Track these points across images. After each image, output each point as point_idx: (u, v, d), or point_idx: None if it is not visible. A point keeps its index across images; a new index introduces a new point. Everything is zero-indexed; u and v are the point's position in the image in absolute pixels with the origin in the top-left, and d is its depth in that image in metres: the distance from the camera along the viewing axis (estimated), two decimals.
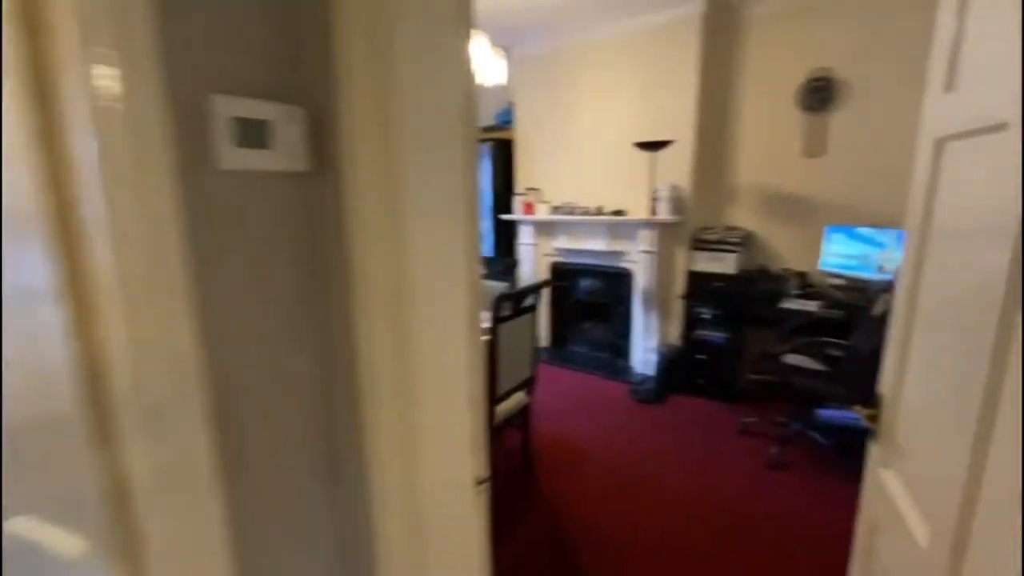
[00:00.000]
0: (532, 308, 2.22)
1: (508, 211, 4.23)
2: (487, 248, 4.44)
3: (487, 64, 2.61)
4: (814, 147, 3.27)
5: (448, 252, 0.73)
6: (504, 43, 3.94)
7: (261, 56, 0.62)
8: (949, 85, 0.86)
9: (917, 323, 0.92)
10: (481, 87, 3.06)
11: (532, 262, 4.22)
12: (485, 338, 2.10)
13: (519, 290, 2.05)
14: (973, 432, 0.66)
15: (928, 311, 0.88)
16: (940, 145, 0.87)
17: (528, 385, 2.32)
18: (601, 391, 3.51)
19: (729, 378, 3.34)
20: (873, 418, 1.02)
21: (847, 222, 3.12)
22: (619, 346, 3.99)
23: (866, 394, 2.54)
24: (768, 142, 3.39)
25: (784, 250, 3.43)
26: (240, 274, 0.63)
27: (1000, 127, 0.66)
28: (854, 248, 3.04)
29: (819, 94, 3.19)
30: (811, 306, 2.99)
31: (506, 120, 4.35)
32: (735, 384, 3.36)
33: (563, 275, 4.22)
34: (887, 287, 2.54)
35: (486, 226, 4.39)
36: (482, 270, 3.11)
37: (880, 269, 2.90)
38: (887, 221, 2.97)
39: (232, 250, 0.62)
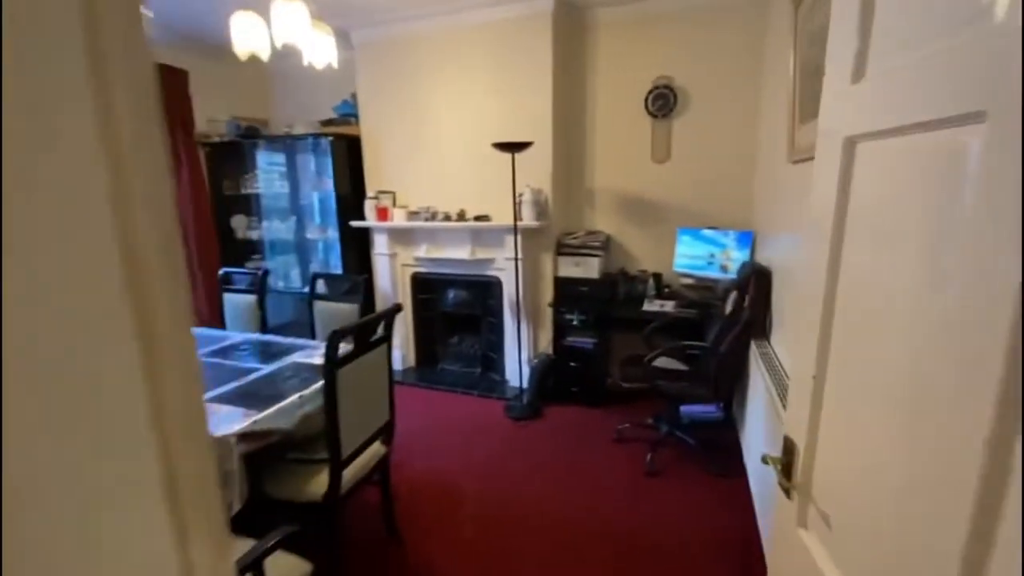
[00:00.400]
0: (385, 339, 1.83)
1: (359, 217, 3.72)
2: (334, 263, 3.86)
3: (309, 40, 2.12)
4: (660, 152, 3.39)
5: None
6: (342, 23, 3.42)
7: None
8: (858, 74, 0.71)
9: (836, 350, 0.76)
10: (311, 69, 2.55)
11: (390, 275, 3.77)
12: (302, 411, 1.66)
13: (361, 323, 1.64)
14: (966, 531, 0.48)
15: (858, 336, 0.71)
16: (851, 144, 0.71)
17: (385, 432, 1.91)
18: (475, 412, 3.22)
19: (600, 383, 3.31)
20: (786, 469, 0.87)
21: (693, 224, 3.28)
22: (492, 360, 3.75)
23: (724, 391, 2.65)
24: (622, 146, 3.43)
25: (641, 252, 3.51)
26: None
27: (973, 117, 0.48)
28: (701, 249, 3.20)
29: (662, 101, 3.29)
30: (668, 307, 3.07)
31: (347, 112, 3.82)
32: (605, 389, 3.34)
33: (427, 287, 3.85)
34: (734, 286, 2.67)
35: (332, 236, 3.81)
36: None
37: (723, 268, 3.08)
38: (726, 223, 3.17)
39: None
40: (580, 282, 3.27)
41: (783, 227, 2.18)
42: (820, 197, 0.79)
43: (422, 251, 3.66)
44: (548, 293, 3.42)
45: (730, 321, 2.52)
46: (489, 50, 3.30)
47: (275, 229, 4.16)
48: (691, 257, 3.24)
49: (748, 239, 2.98)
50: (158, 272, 0.35)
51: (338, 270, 3.89)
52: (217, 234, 4.16)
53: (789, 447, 0.88)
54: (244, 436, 1.51)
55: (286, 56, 3.92)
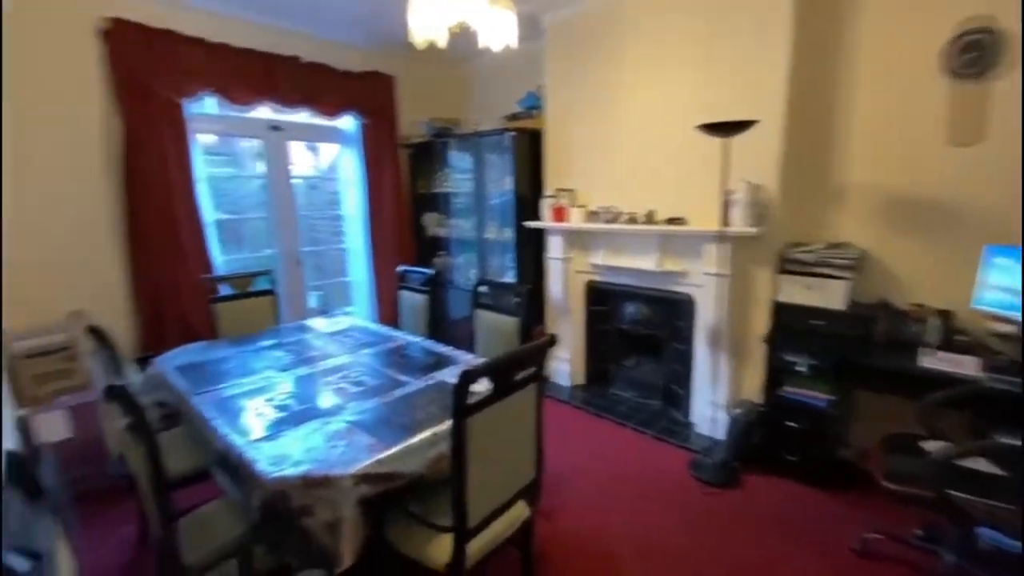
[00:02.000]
0: (536, 377, 1.43)
1: (537, 217, 3.44)
2: (509, 265, 3.67)
3: (485, 18, 1.84)
4: (966, 131, 2.25)
5: None
6: (533, 8, 3.16)
7: None
8: None
9: None
10: (501, 63, 2.32)
11: (562, 281, 3.40)
12: (436, 450, 1.35)
13: (500, 361, 1.26)
14: None
15: None
16: None
17: (529, 492, 1.53)
18: (650, 459, 2.64)
19: (831, 456, 2.38)
20: None
21: (1016, 241, 2.09)
22: (675, 395, 3.09)
23: None
24: (896, 124, 2.39)
25: (917, 278, 2.41)
26: None
27: None
28: None
29: (975, 53, 2.18)
30: (968, 366, 2.00)
31: (531, 105, 3.57)
32: (838, 465, 2.39)
33: (602, 298, 3.38)
34: None
35: (508, 236, 3.62)
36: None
37: None
38: None
39: None
40: (812, 312, 2.39)
41: None
42: None
43: (599, 257, 3.20)
44: (761, 322, 2.62)
45: None
46: (697, 11, 2.63)
47: (460, 227, 4.19)
48: (1013, 292, 2.07)
49: None
50: None
51: (512, 272, 3.70)
52: (410, 231, 4.39)
53: None
54: (365, 477, 1.29)
55: (480, 54, 3.90)
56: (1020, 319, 2.03)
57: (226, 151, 3.70)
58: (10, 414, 2.19)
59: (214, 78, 3.06)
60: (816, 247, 2.47)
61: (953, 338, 2.21)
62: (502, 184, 3.68)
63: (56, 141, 2.70)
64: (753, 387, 2.66)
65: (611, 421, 3.06)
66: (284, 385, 1.88)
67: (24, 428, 2.26)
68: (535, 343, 1.38)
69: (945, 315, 2.25)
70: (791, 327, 2.45)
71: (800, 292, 2.43)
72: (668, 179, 2.88)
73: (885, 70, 2.40)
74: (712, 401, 2.72)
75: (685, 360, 2.96)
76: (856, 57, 2.46)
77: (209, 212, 3.22)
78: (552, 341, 1.41)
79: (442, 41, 1.96)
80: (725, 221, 2.49)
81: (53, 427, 2.29)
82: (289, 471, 1.25)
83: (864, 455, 2.38)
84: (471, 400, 1.20)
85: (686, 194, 2.80)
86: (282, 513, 1.22)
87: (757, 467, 2.49)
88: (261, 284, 2.87)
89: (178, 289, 3.03)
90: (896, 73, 2.37)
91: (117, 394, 1.12)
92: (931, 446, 1.83)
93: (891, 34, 2.36)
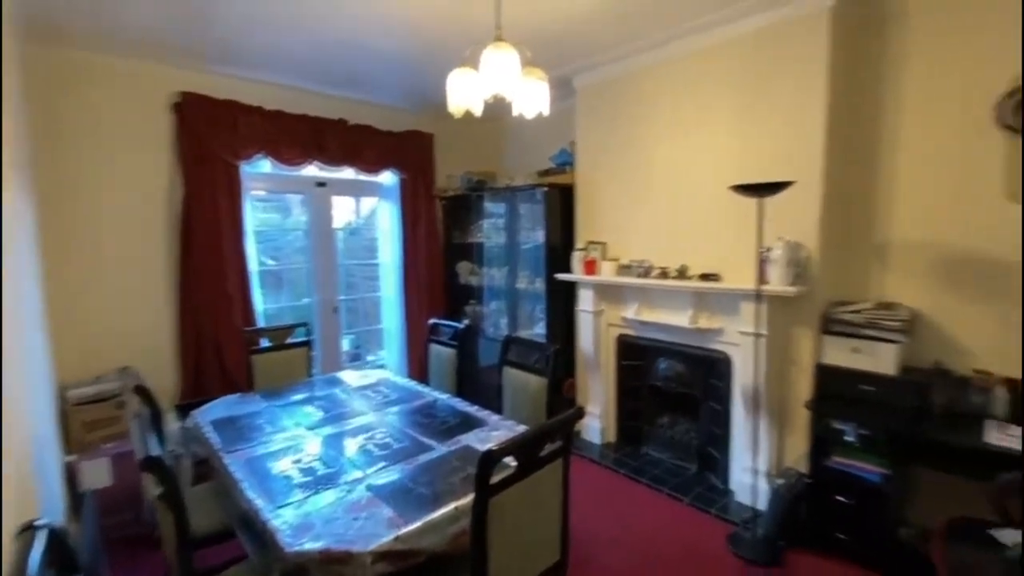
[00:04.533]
0: (562, 451, 1.39)
1: (568, 269, 3.44)
2: (539, 316, 3.65)
3: (519, 89, 1.92)
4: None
5: None
6: (565, 71, 3.28)
7: None
8: None
9: None
10: (536, 120, 2.39)
11: (593, 334, 3.35)
12: (457, 526, 1.31)
13: (522, 441, 1.23)
14: None
15: None
16: None
17: (554, 574, 1.45)
18: (686, 532, 2.48)
19: (889, 536, 2.17)
20: None
21: None
22: (712, 459, 2.93)
23: None
24: (947, 179, 2.30)
25: (977, 342, 2.24)
26: None
27: None
28: None
29: None
30: None
31: (564, 161, 3.64)
32: (896, 546, 2.17)
33: (634, 352, 3.30)
34: None
35: (539, 287, 3.63)
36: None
37: None
38: None
39: None
40: (861, 377, 2.25)
41: None
42: None
43: (631, 311, 3.14)
44: (804, 386, 2.48)
45: None
46: (733, 73, 2.66)
47: (492, 276, 4.24)
48: None
49: None
50: None
51: (542, 323, 3.69)
52: (443, 279, 4.47)
53: None
54: (385, 555, 1.26)
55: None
56: None
57: (273, 200, 3.92)
58: (59, 459, 2.29)
59: (268, 142, 3.30)
60: (863, 306, 2.35)
61: None
62: (534, 236, 3.72)
63: (128, 207, 2.94)
64: (797, 455, 2.49)
65: (644, 486, 2.90)
66: (312, 445, 1.89)
67: (71, 474, 2.36)
68: (560, 417, 1.34)
69: (1013, 384, 2.07)
70: (838, 393, 2.30)
71: (846, 355, 2.30)
72: (701, 234, 2.84)
73: (932, 126, 2.33)
74: (752, 468, 2.56)
75: (722, 422, 2.82)
76: (900, 115, 2.41)
77: (255, 262, 3.39)
78: (580, 414, 1.38)
79: (477, 111, 2.06)
80: (762, 279, 2.42)
81: (97, 474, 2.38)
82: (308, 545, 1.24)
83: (925, 536, 2.15)
84: (493, 479, 1.17)
85: (720, 250, 2.75)
86: None
87: (803, 544, 2.30)
88: (299, 334, 2.96)
89: (220, 338, 3.16)
90: (945, 130, 2.29)
91: (152, 465, 1.16)
92: (1005, 536, 1.65)
93: (937, 91, 2.30)
